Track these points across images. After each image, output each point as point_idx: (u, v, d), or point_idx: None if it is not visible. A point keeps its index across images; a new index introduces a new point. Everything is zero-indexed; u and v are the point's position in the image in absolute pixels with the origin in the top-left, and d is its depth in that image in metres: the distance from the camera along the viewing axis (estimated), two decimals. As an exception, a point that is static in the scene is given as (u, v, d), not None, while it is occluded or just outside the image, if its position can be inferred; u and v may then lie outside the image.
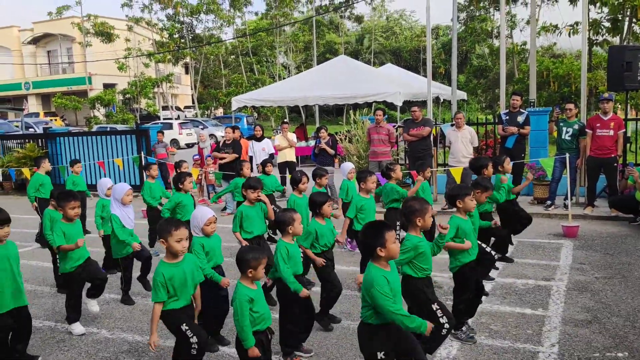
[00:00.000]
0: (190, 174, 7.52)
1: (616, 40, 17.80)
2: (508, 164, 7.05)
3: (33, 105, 45.02)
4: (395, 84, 16.21)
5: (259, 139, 12.16)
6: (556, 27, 21.43)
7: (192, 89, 45.03)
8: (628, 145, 10.37)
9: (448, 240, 4.69)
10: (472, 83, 38.67)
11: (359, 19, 53.78)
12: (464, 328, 4.86)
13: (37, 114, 39.32)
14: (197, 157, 14.04)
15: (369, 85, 15.52)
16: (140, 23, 41.58)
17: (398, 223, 6.54)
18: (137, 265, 6.34)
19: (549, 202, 9.95)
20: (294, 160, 12.86)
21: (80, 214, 5.53)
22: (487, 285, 6.18)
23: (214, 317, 4.85)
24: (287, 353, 4.52)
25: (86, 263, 5.44)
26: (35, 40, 46.74)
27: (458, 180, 8.97)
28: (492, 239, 6.80)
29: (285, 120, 17.77)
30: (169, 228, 3.90)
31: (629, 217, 9.05)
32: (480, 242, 5.47)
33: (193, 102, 46.40)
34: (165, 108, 43.10)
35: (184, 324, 3.96)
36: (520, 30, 35.72)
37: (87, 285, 5.57)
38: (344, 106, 28.78)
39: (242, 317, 3.61)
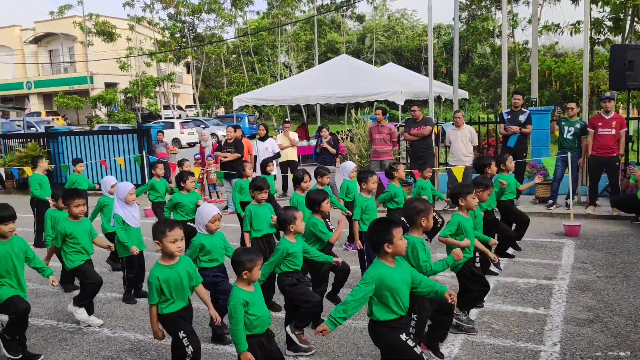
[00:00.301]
0: (192, 173, 7.51)
1: (618, 39, 17.79)
2: (510, 162, 7.04)
3: (35, 104, 45.10)
4: (397, 83, 16.21)
5: (263, 139, 12.16)
6: (558, 26, 21.43)
7: (193, 88, 45.07)
8: (630, 144, 10.36)
9: (447, 235, 4.71)
10: (474, 82, 38.65)
11: (360, 18, 53.79)
12: (463, 317, 4.93)
13: (38, 113, 39.40)
14: (199, 156, 14.04)
15: (371, 85, 15.52)
16: (141, 22, 41.63)
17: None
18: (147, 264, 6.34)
19: (550, 201, 9.94)
20: (296, 159, 12.86)
21: (85, 211, 5.55)
22: (491, 282, 6.19)
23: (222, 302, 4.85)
24: (297, 327, 4.58)
25: (89, 260, 5.49)
26: (37, 40, 46.81)
27: (460, 179, 8.97)
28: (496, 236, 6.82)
29: (286, 119, 17.80)
30: (163, 229, 3.86)
31: (630, 216, 9.03)
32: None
33: (194, 102, 46.44)
34: (166, 107, 43.13)
35: (182, 331, 3.90)
36: (522, 30, 35.84)
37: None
38: (345, 105, 28.78)
39: (236, 320, 3.52)
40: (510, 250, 7.24)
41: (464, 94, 22.98)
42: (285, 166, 12.51)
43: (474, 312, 5.26)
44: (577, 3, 20.34)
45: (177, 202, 7.14)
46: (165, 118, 36.82)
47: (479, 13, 38.78)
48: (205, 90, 47.38)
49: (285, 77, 36.38)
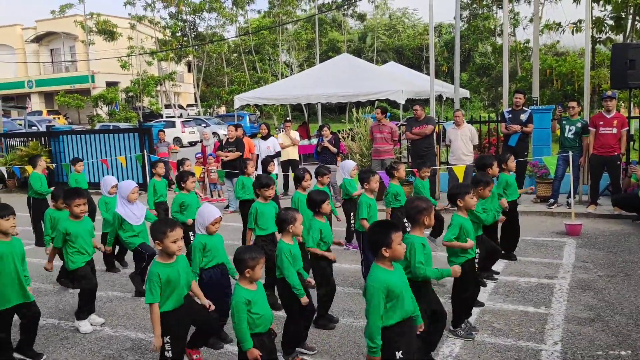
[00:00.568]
0: (193, 174, 7.49)
1: (619, 38, 17.78)
2: (512, 162, 7.01)
3: (36, 103, 45.13)
4: (398, 82, 16.19)
5: (265, 138, 12.17)
6: (559, 25, 21.41)
7: (194, 87, 45.12)
8: (631, 143, 10.35)
9: (451, 239, 4.69)
10: (475, 81, 38.65)
11: (361, 17, 53.80)
12: (462, 325, 4.88)
13: (40, 112, 39.42)
14: (200, 155, 14.06)
15: (372, 84, 15.51)
16: (142, 21, 41.67)
17: (405, 220, 6.51)
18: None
19: (551, 201, 9.94)
20: (297, 158, 12.86)
21: (86, 210, 5.54)
22: (490, 284, 6.20)
23: (219, 313, 4.85)
24: (289, 353, 4.51)
25: (91, 261, 5.50)
26: (38, 39, 46.83)
27: (461, 178, 8.96)
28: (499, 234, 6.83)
29: (288, 118, 17.79)
30: (164, 229, 3.86)
31: (632, 215, 9.02)
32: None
33: (196, 101, 46.48)
34: (167, 106, 43.15)
35: (168, 337, 3.86)
36: (523, 28, 35.90)
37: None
38: (346, 104, 28.77)
39: (239, 319, 3.54)
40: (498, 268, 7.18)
41: (465, 93, 22.96)
42: (286, 165, 12.51)
43: (475, 311, 5.24)
44: (579, 2, 20.33)
45: (181, 201, 7.13)
46: (167, 117, 36.83)
47: (480, 12, 38.77)
48: (207, 89, 47.42)
49: (287, 76, 36.37)
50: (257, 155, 11.91)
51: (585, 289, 5.94)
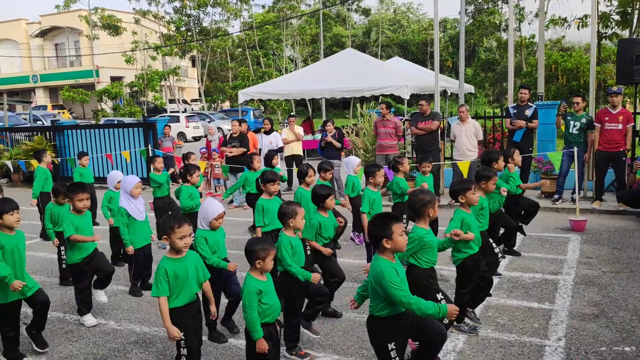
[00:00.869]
0: (198, 167, 7.52)
1: (625, 33, 17.63)
2: (518, 157, 7.01)
3: (41, 98, 45.24)
4: (403, 77, 16.17)
5: (268, 133, 12.17)
6: (565, 20, 21.23)
7: (198, 82, 45.08)
8: (637, 139, 10.30)
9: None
10: (480, 76, 38.52)
11: (366, 12, 53.68)
12: (466, 320, 4.89)
13: (44, 107, 39.53)
14: (204, 150, 14.07)
15: (376, 79, 15.49)
16: (147, 16, 41.62)
17: (405, 216, 6.56)
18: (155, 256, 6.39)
19: (556, 196, 9.91)
20: (301, 153, 12.86)
21: (89, 205, 5.55)
22: (494, 279, 6.18)
23: (229, 304, 4.87)
24: (291, 347, 4.53)
25: (94, 254, 5.47)
26: (42, 33, 46.86)
27: (465, 174, 8.95)
28: (502, 230, 6.82)
29: (292, 113, 17.77)
30: (172, 225, 3.87)
31: (637, 211, 9.00)
32: (491, 240, 5.48)
33: (200, 95, 46.47)
34: (172, 101, 43.15)
35: (182, 333, 3.85)
36: (529, 23, 35.55)
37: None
38: (350, 99, 28.75)
39: (250, 308, 3.63)
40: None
41: (470, 88, 22.92)
42: (290, 160, 12.52)
43: (478, 306, 5.25)
44: (585, -3, 20.18)
45: (189, 193, 7.15)
46: (171, 112, 36.85)
47: (485, 7, 38.60)
48: (211, 84, 47.41)
49: (291, 71, 36.34)
50: (260, 150, 11.92)
51: (590, 285, 5.93)
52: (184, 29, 43.99)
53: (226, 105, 45.35)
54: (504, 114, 10.94)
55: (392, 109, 11.97)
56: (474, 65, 40.51)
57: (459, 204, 4.90)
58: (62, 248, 6.44)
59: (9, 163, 14.35)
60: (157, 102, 39.72)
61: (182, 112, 37.04)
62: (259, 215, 5.77)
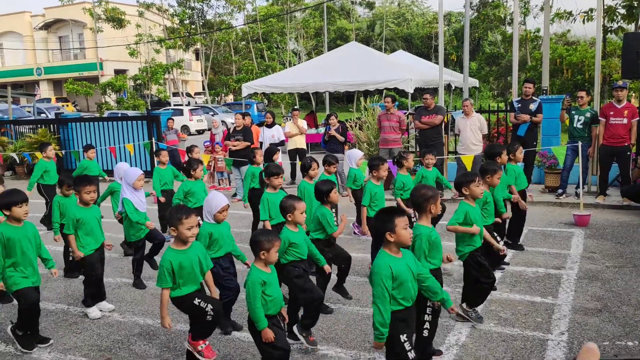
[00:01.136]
0: (201, 162, 7.52)
1: (631, 27, 17.51)
2: (520, 153, 6.99)
3: (45, 90, 45.23)
4: (407, 70, 16.12)
5: (270, 126, 12.17)
6: (570, 13, 21.11)
7: (202, 76, 45.02)
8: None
9: (455, 224, 4.70)
10: (484, 70, 38.39)
11: (370, 5, 53.44)
12: (476, 308, 4.94)
13: (48, 100, 39.57)
14: (208, 143, 14.09)
15: (380, 72, 15.45)
16: (151, 9, 41.54)
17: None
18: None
19: (560, 191, 9.89)
20: (304, 147, 12.86)
21: (96, 198, 5.58)
22: (497, 274, 6.19)
23: (226, 299, 4.89)
24: (306, 327, 4.53)
25: (102, 247, 5.53)
26: (46, 26, 46.84)
27: (469, 168, 8.93)
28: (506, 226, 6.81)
29: (295, 107, 17.75)
30: (179, 216, 3.94)
31: (641, 206, 8.98)
32: (496, 234, 5.48)
33: (203, 89, 46.43)
34: (175, 94, 43.13)
35: (196, 299, 4.08)
36: (534, 17, 35.39)
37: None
38: (354, 93, 28.70)
39: (254, 299, 3.66)
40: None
41: (475, 82, 22.84)
42: (293, 154, 12.52)
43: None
44: (590, -10, 20.04)
45: (187, 190, 7.15)
46: (174, 105, 36.85)
47: (490, 0, 38.39)
48: (214, 78, 47.34)
49: (294, 65, 36.29)
50: (261, 144, 11.93)
51: (593, 280, 5.93)
52: (187, 21, 43.89)
53: (230, 98, 45.29)
54: (508, 108, 10.91)
55: (396, 103, 11.95)
56: (478, 59, 40.35)
57: (463, 197, 4.90)
58: None
59: (14, 155, 14.38)
60: (160, 95, 39.73)
61: (186, 105, 37.03)
62: (264, 209, 5.79)
